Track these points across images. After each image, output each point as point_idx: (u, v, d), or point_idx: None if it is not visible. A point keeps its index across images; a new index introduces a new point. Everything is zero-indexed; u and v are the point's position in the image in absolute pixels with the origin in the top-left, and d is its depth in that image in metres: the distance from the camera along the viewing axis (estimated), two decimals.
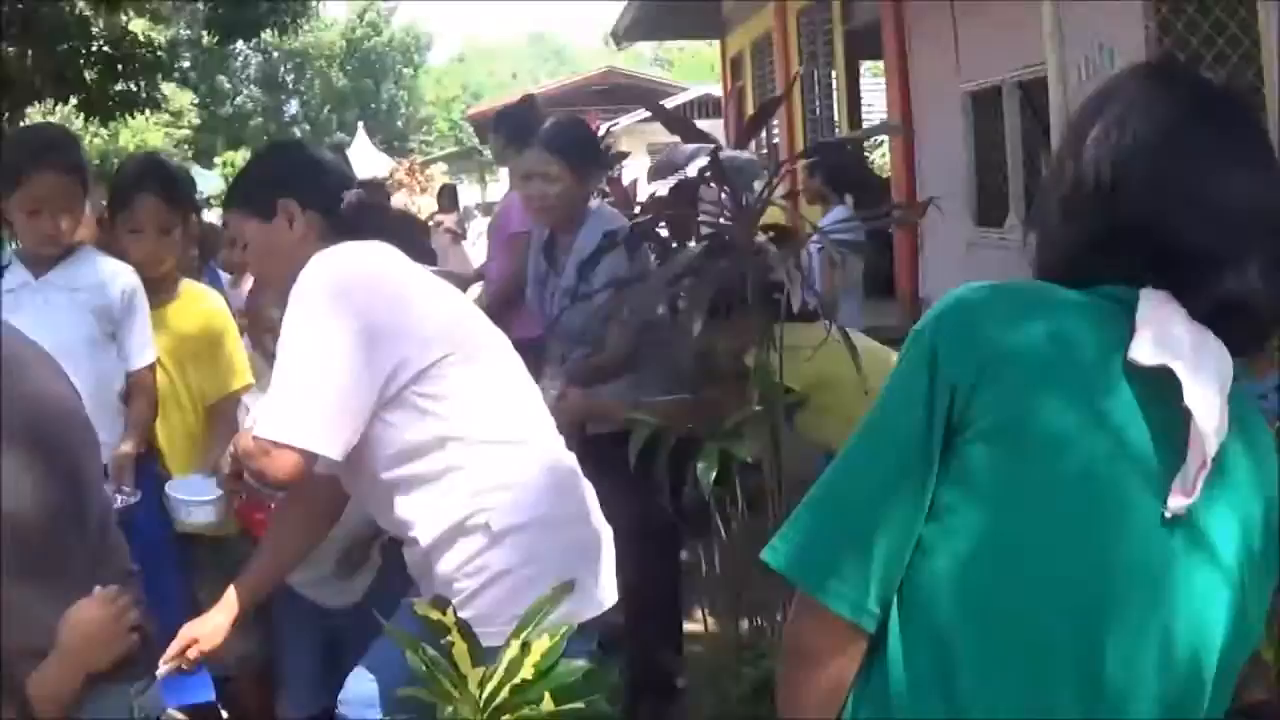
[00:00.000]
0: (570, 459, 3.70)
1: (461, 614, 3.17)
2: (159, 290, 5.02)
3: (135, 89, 22.15)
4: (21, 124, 28.20)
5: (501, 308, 7.50)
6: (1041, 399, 1.86)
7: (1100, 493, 1.84)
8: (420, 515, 3.44)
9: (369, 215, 3.77)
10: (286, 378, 3.39)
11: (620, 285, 5.23)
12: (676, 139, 4.81)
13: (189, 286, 5.30)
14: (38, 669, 2.61)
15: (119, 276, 4.76)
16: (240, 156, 56.95)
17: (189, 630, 3.64)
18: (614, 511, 3.75)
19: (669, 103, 32.24)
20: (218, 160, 57.96)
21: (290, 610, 4.60)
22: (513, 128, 7.75)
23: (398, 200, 25.68)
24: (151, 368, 4.81)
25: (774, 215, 5.19)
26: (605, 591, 3.59)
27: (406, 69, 75.69)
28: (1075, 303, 1.93)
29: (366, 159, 45.88)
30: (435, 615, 3.02)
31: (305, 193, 3.69)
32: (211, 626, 3.64)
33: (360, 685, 3.66)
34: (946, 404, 1.90)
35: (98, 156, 45.96)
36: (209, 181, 53.46)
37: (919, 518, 1.91)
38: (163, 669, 3.45)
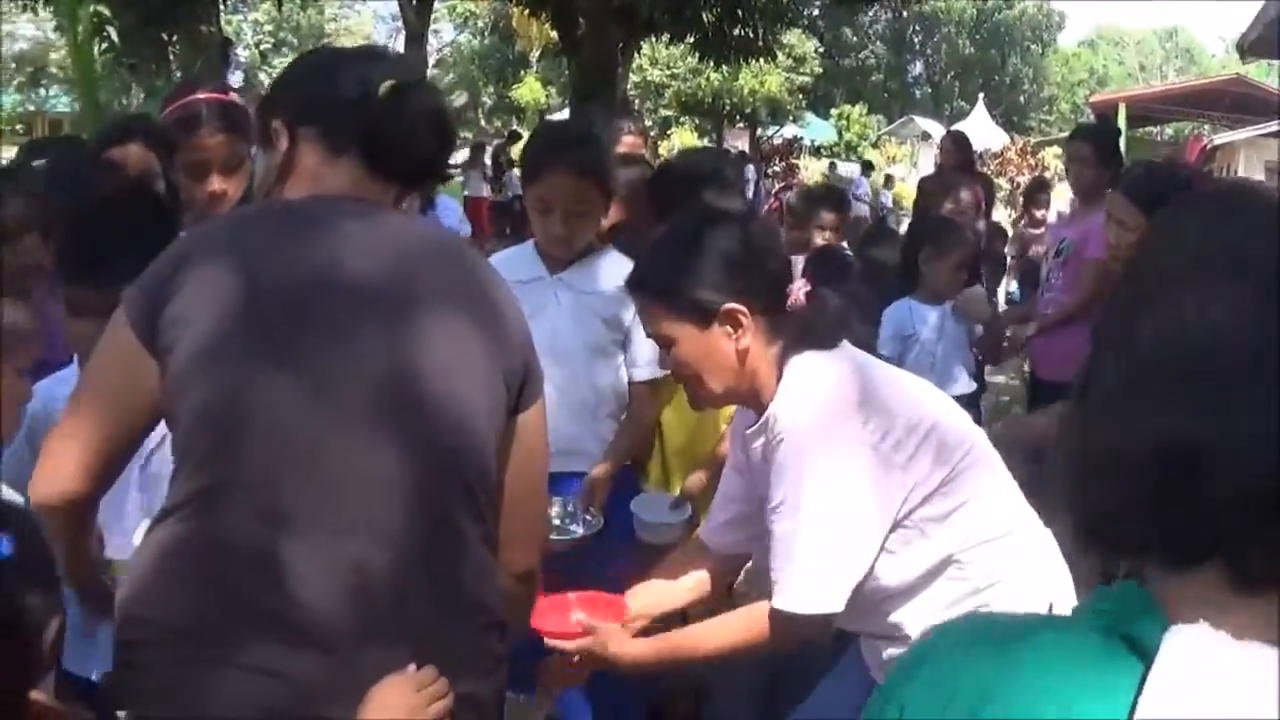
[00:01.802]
0: (1049, 536, 3.23)
1: None
2: None
3: (753, 35, 22.21)
4: (636, 55, 29.24)
5: (1053, 332, 6.84)
6: None
7: None
8: (914, 620, 3.08)
9: (821, 313, 3.11)
10: (798, 539, 2.93)
11: None
12: None
13: None
14: None
15: None
16: (858, 110, 57.56)
17: (608, 634, 3.17)
18: None
19: None
20: (833, 111, 58.56)
21: None
22: (1097, 145, 7.00)
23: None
24: (658, 383, 4.35)
25: None
26: None
27: (1035, 46, 74.74)
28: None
29: (983, 132, 45.50)
30: None
31: (752, 295, 3.02)
32: (607, 652, 3.15)
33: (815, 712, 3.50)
34: None
35: (711, 95, 47.09)
36: (821, 131, 54.30)
37: None
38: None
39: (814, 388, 2.99)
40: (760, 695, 4.31)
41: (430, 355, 2.32)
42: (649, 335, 3.21)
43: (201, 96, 4.19)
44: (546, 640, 3.16)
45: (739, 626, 3.09)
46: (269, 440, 2.22)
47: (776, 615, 2.96)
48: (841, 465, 2.90)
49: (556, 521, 4.09)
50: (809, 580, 2.93)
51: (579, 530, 4.12)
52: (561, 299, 4.32)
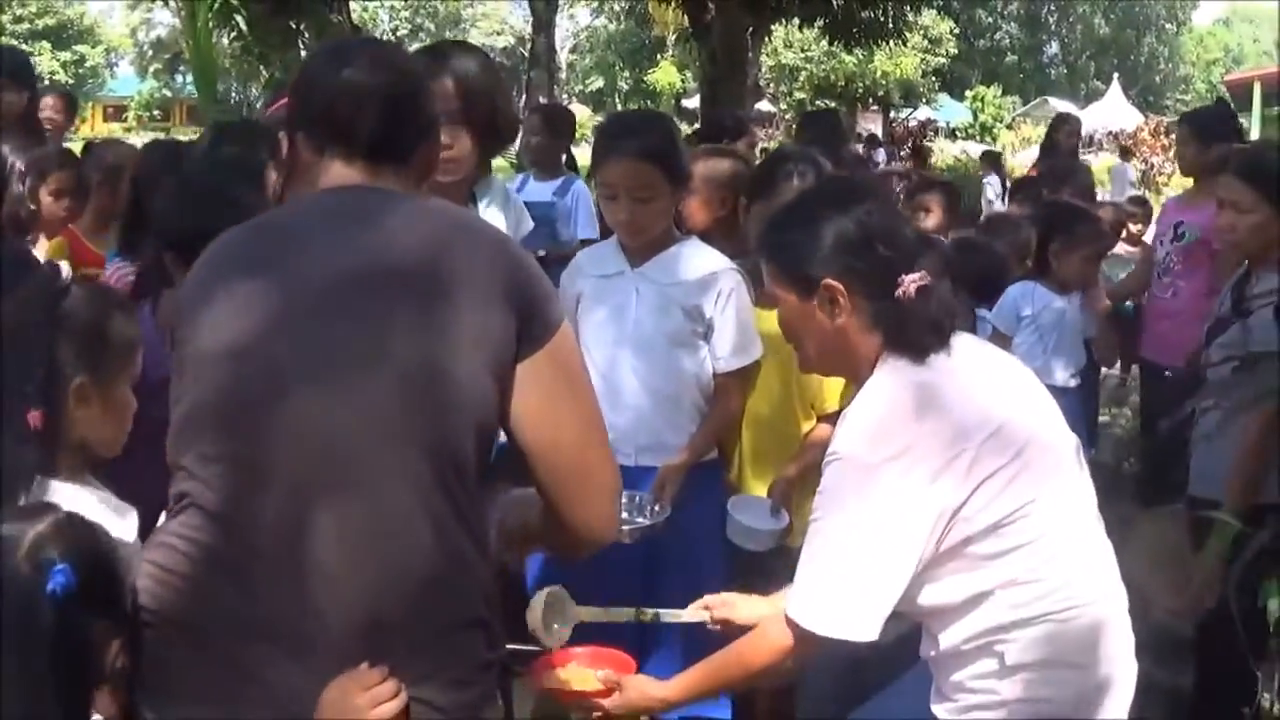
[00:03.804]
0: (1114, 595, 3.05)
1: None
2: None
3: (883, 18, 22.03)
4: (769, 39, 29.00)
5: (1169, 318, 6.57)
6: None
7: None
8: (940, 629, 2.99)
9: (923, 313, 2.92)
10: (826, 553, 2.89)
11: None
12: None
13: None
14: None
15: (721, 275, 4.25)
16: (992, 92, 56.84)
17: (634, 685, 3.18)
18: None
19: None
20: (968, 94, 57.95)
21: None
22: (1204, 130, 6.79)
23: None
24: (742, 373, 4.29)
25: None
26: None
27: (1170, 25, 73.40)
28: None
29: (1116, 112, 44.75)
30: None
31: (856, 276, 2.93)
32: (643, 699, 3.16)
33: (875, 713, 3.42)
34: None
35: (845, 78, 46.64)
36: (955, 113, 53.63)
37: None
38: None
39: (879, 411, 2.90)
40: (841, 678, 4.10)
41: (415, 346, 2.26)
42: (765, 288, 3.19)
43: None
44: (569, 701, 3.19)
45: (763, 649, 3.03)
46: (249, 461, 2.23)
47: (793, 625, 2.91)
48: (875, 505, 2.81)
49: (625, 514, 3.91)
50: (820, 596, 2.88)
51: (644, 521, 4.01)
52: (643, 292, 4.24)
